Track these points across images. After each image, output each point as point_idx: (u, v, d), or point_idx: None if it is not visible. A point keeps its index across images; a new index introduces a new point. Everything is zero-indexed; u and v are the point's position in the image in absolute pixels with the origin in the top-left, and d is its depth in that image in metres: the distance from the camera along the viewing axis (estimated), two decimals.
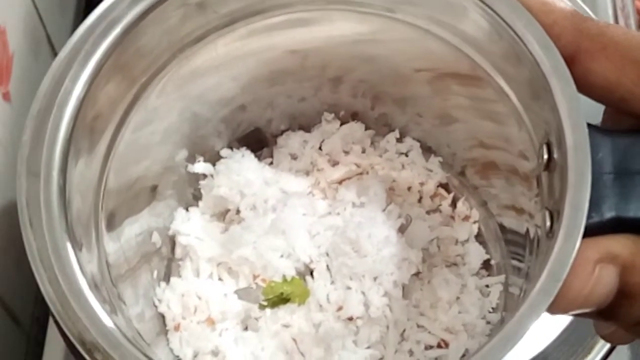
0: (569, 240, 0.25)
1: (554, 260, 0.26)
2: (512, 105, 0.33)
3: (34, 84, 0.31)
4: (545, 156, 0.29)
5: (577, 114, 0.27)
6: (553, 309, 0.26)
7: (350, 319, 0.39)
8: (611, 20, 0.55)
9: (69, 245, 0.29)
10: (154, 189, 0.41)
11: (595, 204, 0.26)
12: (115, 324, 0.28)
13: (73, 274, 0.29)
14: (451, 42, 0.34)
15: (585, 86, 0.28)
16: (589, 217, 0.26)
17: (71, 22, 0.62)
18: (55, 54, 0.55)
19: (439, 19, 0.33)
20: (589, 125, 0.27)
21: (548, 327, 0.40)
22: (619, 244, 0.26)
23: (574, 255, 0.25)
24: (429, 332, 0.40)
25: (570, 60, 0.28)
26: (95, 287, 0.30)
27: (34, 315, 0.52)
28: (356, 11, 0.35)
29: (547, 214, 0.28)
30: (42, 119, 0.35)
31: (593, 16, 0.48)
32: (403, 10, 0.34)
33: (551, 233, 0.27)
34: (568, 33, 0.28)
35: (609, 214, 0.27)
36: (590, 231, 0.26)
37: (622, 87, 0.27)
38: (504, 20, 0.29)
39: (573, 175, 0.26)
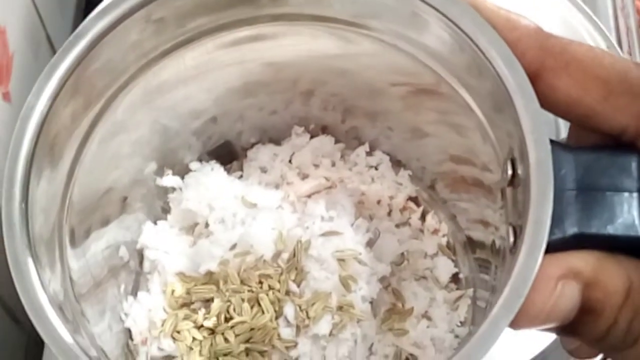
0: (531, 256, 0.26)
1: (516, 276, 0.26)
2: (476, 119, 0.33)
3: (34, 84, 0.31)
4: (510, 172, 0.29)
5: (540, 130, 0.27)
6: (515, 324, 0.26)
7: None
8: (611, 21, 0.56)
9: (31, 264, 0.29)
10: (122, 201, 0.41)
11: (557, 220, 0.26)
12: (77, 343, 0.28)
13: (35, 293, 0.29)
14: (416, 56, 0.34)
15: (549, 102, 0.28)
16: (551, 233, 0.26)
17: (71, 22, 0.62)
18: (55, 54, 0.56)
19: (403, 32, 0.34)
20: (552, 141, 0.27)
21: None
22: (581, 260, 0.26)
23: (535, 271, 0.25)
24: (397, 347, 0.40)
25: (534, 77, 0.28)
26: (57, 305, 0.29)
27: None
28: (323, 26, 0.35)
29: (510, 229, 0.29)
30: None
31: (594, 17, 0.48)
32: (368, 24, 0.34)
33: (514, 249, 0.27)
34: (532, 50, 0.28)
35: (571, 230, 0.27)
36: (553, 247, 0.26)
37: (585, 104, 0.28)
38: (466, 34, 0.29)
39: (535, 192, 0.26)
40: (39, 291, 0.29)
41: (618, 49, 0.50)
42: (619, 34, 0.56)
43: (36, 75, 0.30)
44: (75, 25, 0.59)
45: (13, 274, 0.29)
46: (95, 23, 0.31)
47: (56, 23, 0.57)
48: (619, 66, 0.28)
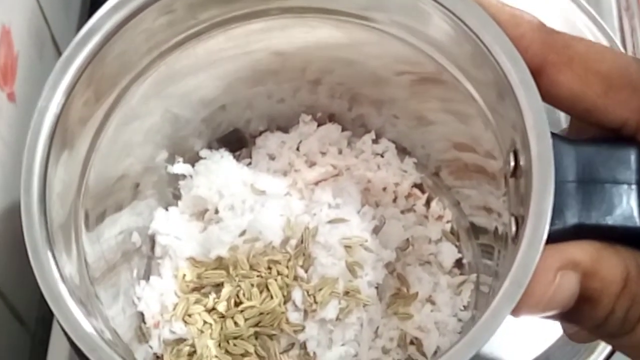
0: (532, 247, 0.26)
1: (517, 266, 0.26)
2: (478, 107, 0.34)
3: (39, 84, 0.31)
4: (512, 163, 0.30)
5: (542, 124, 0.28)
6: (516, 312, 0.27)
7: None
8: (616, 21, 0.56)
9: (48, 249, 0.30)
10: (134, 188, 0.42)
11: (558, 211, 0.27)
12: (92, 326, 0.29)
13: (52, 277, 0.29)
14: (419, 47, 0.35)
15: (551, 97, 0.29)
16: (552, 224, 0.27)
17: (76, 22, 0.62)
18: (59, 54, 0.56)
19: (406, 24, 0.34)
20: (553, 134, 0.28)
21: (551, 327, 0.41)
22: (580, 251, 0.27)
23: (536, 262, 0.26)
24: (402, 330, 0.41)
25: (537, 72, 0.29)
26: (73, 288, 0.30)
27: (39, 315, 0.52)
28: (331, 18, 0.36)
29: (512, 219, 0.29)
30: None
31: (598, 17, 0.49)
32: (373, 17, 0.35)
33: (516, 238, 0.28)
34: (535, 46, 0.29)
35: (571, 221, 0.28)
36: (554, 238, 0.27)
37: (587, 99, 0.28)
38: (470, 29, 0.30)
39: (537, 183, 0.27)
40: (56, 275, 0.30)
41: (622, 49, 0.51)
42: (623, 35, 0.57)
43: (41, 75, 0.31)
44: (80, 25, 0.57)
45: (31, 259, 0.30)
46: (110, 16, 0.32)
47: (61, 23, 0.57)
48: (620, 61, 0.29)
